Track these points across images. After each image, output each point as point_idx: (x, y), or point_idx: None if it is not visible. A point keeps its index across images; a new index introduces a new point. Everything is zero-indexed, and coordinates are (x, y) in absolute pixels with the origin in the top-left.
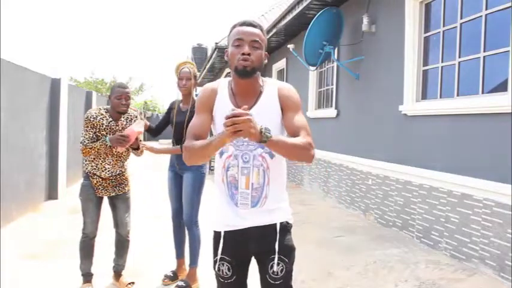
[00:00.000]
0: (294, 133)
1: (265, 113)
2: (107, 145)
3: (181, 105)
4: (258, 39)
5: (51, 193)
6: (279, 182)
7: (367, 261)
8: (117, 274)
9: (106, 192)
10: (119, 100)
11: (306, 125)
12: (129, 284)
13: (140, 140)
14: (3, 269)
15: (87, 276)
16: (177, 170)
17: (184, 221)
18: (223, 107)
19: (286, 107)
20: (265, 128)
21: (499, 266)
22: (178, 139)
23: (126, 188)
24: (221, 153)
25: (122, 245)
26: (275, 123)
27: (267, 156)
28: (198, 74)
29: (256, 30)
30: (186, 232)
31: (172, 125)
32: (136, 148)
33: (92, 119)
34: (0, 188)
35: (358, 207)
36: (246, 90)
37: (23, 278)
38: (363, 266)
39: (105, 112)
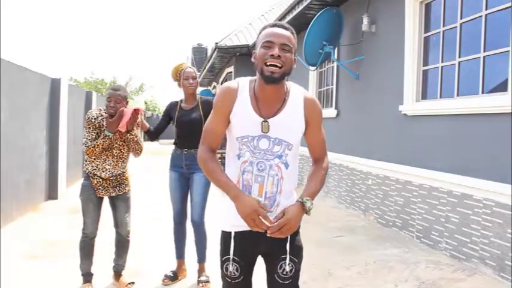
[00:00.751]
0: (314, 150)
1: (288, 122)
2: (110, 138)
3: (182, 104)
4: (288, 43)
5: (51, 193)
6: (290, 188)
7: (367, 261)
8: (117, 274)
9: (106, 192)
10: (109, 102)
11: (325, 140)
12: (129, 284)
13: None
14: (3, 269)
15: (87, 276)
16: (184, 171)
17: (193, 221)
18: (244, 112)
19: (311, 121)
20: (306, 200)
21: (499, 266)
22: (183, 137)
23: (126, 188)
24: (238, 157)
25: (122, 245)
26: (296, 134)
27: (283, 167)
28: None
29: (288, 33)
30: (191, 232)
31: (175, 124)
32: (129, 130)
33: (93, 120)
34: (0, 188)
35: (358, 207)
36: (271, 97)
37: (23, 278)
38: (363, 266)
39: (105, 113)
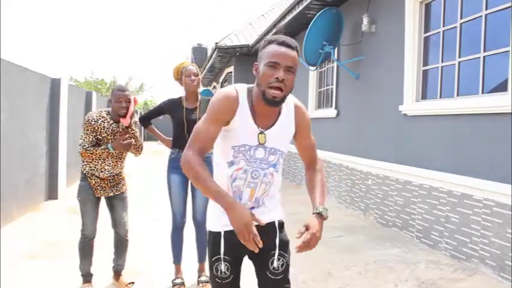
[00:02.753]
0: (306, 154)
1: (283, 132)
2: (109, 151)
3: (184, 103)
4: (293, 65)
5: (51, 193)
6: (276, 189)
7: (367, 261)
8: (117, 274)
9: (104, 192)
10: (119, 103)
11: (315, 144)
12: (129, 284)
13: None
14: (3, 269)
15: (87, 277)
16: None
17: (196, 220)
18: (243, 122)
19: (301, 128)
20: (322, 210)
21: (499, 266)
22: (186, 138)
23: (123, 188)
24: (231, 164)
25: (121, 244)
26: (288, 142)
27: (275, 173)
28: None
29: (293, 54)
30: (191, 232)
31: (179, 124)
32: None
33: (92, 123)
34: (0, 188)
35: (358, 207)
36: (267, 112)
37: (23, 278)
38: (363, 266)
39: (107, 114)
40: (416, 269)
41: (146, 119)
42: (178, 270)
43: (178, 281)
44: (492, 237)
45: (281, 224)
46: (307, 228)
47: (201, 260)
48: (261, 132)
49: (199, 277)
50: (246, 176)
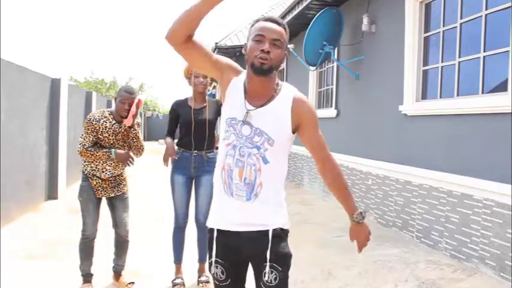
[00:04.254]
0: (316, 152)
1: (273, 114)
2: (109, 156)
3: (191, 103)
4: (279, 38)
5: (51, 193)
6: (272, 186)
7: (367, 261)
8: (117, 274)
9: (105, 193)
10: (123, 104)
11: (324, 141)
12: (129, 284)
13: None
14: (3, 269)
15: (87, 277)
16: (192, 174)
17: (198, 221)
18: (237, 94)
19: (302, 120)
20: (361, 214)
21: (499, 266)
22: (193, 138)
23: (124, 189)
24: (224, 139)
25: (121, 245)
26: (279, 130)
27: (261, 160)
28: None
29: (279, 28)
30: (191, 232)
31: (185, 124)
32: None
33: (94, 122)
34: (0, 188)
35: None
36: (259, 90)
37: (23, 278)
38: (363, 266)
39: (109, 114)
40: (416, 269)
41: (172, 134)
42: (178, 270)
43: (178, 281)
44: (492, 237)
45: (277, 234)
46: (355, 239)
47: (201, 260)
48: (247, 111)
49: (199, 277)
50: (235, 153)
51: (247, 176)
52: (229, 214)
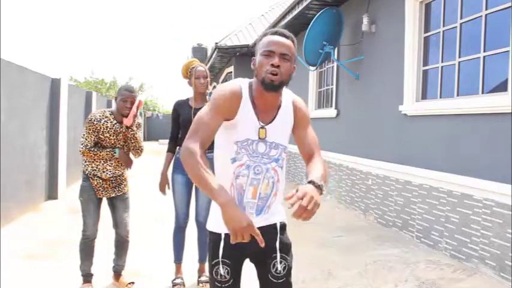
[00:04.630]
0: (308, 150)
1: (282, 126)
2: (113, 155)
3: (192, 103)
4: (288, 52)
5: (51, 193)
6: (281, 190)
7: (367, 261)
8: (117, 274)
9: (106, 193)
10: (124, 103)
11: (317, 139)
12: (129, 284)
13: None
14: (3, 269)
15: (87, 277)
16: None
17: (199, 221)
18: (247, 116)
19: (300, 122)
20: (319, 183)
21: (499, 266)
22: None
23: (125, 189)
24: (233, 160)
25: (121, 245)
26: (287, 133)
27: (279, 170)
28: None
29: (288, 42)
30: (191, 232)
31: (186, 124)
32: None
33: (95, 122)
34: (0, 188)
35: (358, 207)
36: (269, 104)
37: (23, 278)
38: (363, 266)
39: (110, 114)
40: (416, 269)
41: (175, 138)
42: (178, 270)
43: (178, 281)
44: (492, 237)
45: (283, 226)
46: (297, 190)
47: (201, 260)
48: (262, 127)
49: (199, 277)
50: (249, 172)
51: (262, 191)
52: None
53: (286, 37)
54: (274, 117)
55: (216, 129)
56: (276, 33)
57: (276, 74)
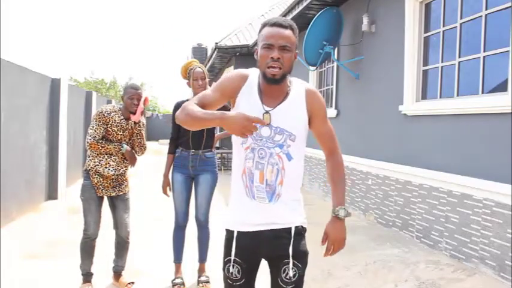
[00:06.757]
0: (324, 142)
1: (289, 113)
2: (120, 149)
3: None
4: (287, 44)
5: (51, 193)
6: (293, 183)
7: (367, 261)
8: (117, 274)
9: (106, 192)
10: (131, 100)
11: (333, 132)
12: (129, 284)
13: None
14: (3, 269)
15: (87, 276)
16: (190, 172)
17: (198, 220)
18: (250, 97)
19: (314, 112)
20: (338, 210)
21: (499, 266)
22: (191, 138)
23: (126, 189)
24: (242, 143)
25: (121, 246)
26: (298, 124)
27: (284, 157)
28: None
29: (287, 32)
30: (191, 233)
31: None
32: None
33: (106, 114)
34: (0, 188)
35: (358, 207)
36: (274, 93)
37: (23, 278)
38: (363, 266)
39: (118, 110)
40: (416, 269)
41: (176, 140)
42: (178, 270)
43: (178, 281)
44: (492, 237)
45: (299, 231)
46: (327, 235)
47: (201, 260)
48: (266, 112)
49: (199, 277)
50: (254, 156)
51: (268, 178)
52: (251, 216)
53: (285, 27)
54: (280, 103)
55: (213, 102)
56: (274, 24)
57: (276, 67)
